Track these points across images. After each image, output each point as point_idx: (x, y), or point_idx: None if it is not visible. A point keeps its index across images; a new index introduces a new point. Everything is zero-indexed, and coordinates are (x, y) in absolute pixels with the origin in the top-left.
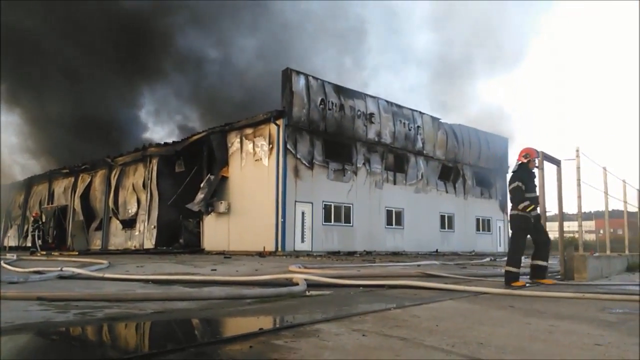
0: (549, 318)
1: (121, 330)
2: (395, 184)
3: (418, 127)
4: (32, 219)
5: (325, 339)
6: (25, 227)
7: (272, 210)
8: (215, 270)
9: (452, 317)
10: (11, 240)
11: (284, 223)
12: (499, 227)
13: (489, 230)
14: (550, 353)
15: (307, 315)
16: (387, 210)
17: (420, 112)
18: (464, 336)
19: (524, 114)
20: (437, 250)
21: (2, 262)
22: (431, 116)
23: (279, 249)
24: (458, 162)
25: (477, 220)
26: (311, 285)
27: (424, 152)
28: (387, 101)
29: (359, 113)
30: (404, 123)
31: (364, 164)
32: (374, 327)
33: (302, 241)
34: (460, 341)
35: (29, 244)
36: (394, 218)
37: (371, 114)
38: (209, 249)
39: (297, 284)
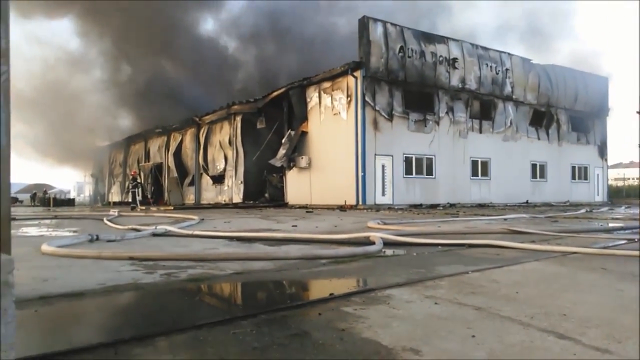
0: None
1: (199, 294)
2: (481, 132)
3: (507, 70)
4: (131, 176)
5: (395, 306)
6: (126, 183)
7: (352, 164)
8: (295, 226)
9: (535, 282)
10: (114, 196)
11: (364, 177)
12: (597, 174)
13: (585, 178)
14: None
15: (380, 279)
16: (473, 160)
17: (509, 54)
18: (545, 305)
19: (627, 49)
20: (527, 201)
21: (104, 219)
22: (521, 57)
23: (360, 202)
24: (552, 106)
25: (573, 168)
26: (387, 243)
27: (514, 97)
28: (471, 44)
29: (441, 59)
30: (491, 66)
31: (446, 112)
32: (448, 293)
33: (383, 194)
34: (540, 311)
35: (129, 200)
36: (480, 168)
37: (454, 59)
38: (292, 203)
39: (373, 243)
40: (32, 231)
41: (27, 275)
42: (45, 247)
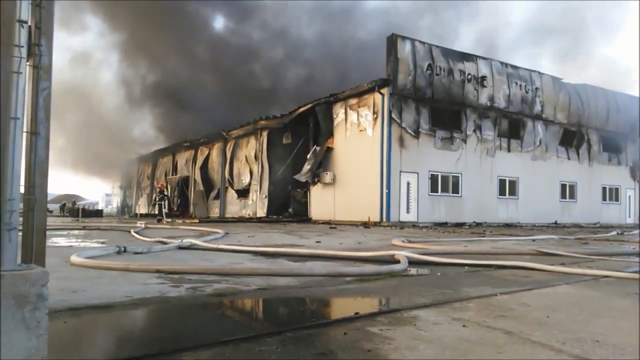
0: None
1: (224, 309)
2: (509, 151)
3: (536, 88)
4: (158, 189)
5: (422, 328)
6: (154, 195)
7: (376, 181)
8: (319, 242)
9: (566, 306)
10: (141, 208)
11: (388, 194)
12: (629, 196)
13: (617, 200)
14: None
15: (406, 299)
16: (500, 179)
17: (539, 73)
18: (578, 331)
19: None
20: (556, 222)
21: (131, 231)
22: (551, 76)
23: (384, 219)
24: (582, 125)
25: (604, 189)
26: (413, 262)
27: (543, 115)
28: (501, 62)
29: (469, 77)
30: (520, 85)
31: (474, 130)
32: (477, 316)
33: (408, 212)
34: (573, 337)
35: (156, 212)
36: (508, 188)
37: (483, 77)
38: (315, 219)
39: (398, 261)
40: (62, 241)
41: (57, 286)
42: (74, 258)
